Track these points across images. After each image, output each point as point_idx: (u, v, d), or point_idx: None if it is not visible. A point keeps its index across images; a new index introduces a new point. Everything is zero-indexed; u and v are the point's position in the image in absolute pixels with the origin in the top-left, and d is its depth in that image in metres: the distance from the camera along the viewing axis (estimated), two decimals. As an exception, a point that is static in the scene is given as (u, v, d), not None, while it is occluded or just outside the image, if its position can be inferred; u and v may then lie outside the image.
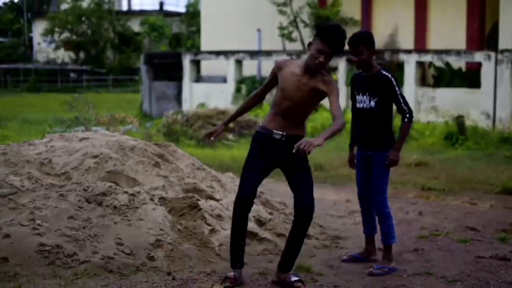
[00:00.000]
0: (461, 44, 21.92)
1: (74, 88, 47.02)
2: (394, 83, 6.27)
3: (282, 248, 6.81)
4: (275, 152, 5.73)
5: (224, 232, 6.76)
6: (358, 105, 6.44)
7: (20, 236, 6.02)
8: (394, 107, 6.38)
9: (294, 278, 5.79)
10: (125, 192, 6.76)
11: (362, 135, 6.48)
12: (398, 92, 6.28)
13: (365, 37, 6.38)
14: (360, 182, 6.65)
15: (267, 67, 23.10)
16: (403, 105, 6.28)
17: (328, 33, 5.60)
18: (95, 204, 6.59)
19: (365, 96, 6.36)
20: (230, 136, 17.57)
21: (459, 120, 16.45)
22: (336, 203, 9.73)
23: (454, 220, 8.58)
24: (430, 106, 19.78)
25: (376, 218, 6.61)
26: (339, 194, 10.37)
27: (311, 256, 6.79)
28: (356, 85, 6.52)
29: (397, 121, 6.82)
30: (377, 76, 6.33)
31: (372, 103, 6.32)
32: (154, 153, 7.59)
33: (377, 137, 6.37)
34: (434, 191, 10.57)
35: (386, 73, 6.32)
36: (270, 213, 7.52)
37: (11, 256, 5.86)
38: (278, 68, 5.84)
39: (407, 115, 6.28)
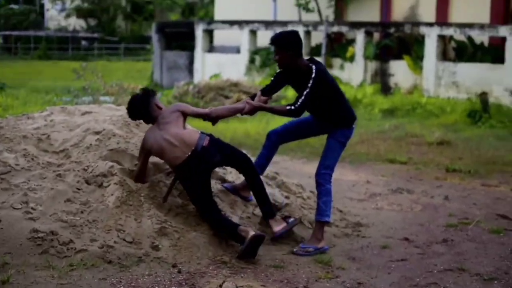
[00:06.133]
0: (485, 18, 21.09)
1: (85, 56, 46.39)
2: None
3: (300, 236, 6.29)
4: None
5: (236, 218, 6.17)
6: None
7: (11, 221, 5.45)
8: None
9: (291, 219, 6.09)
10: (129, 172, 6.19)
11: None
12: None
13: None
14: (287, 127, 6.37)
15: (282, 38, 22.36)
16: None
17: None
18: (95, 185, 6.01)
19: None
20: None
21: (483, 97, 15.73)
22: (355, 184, 9.11)
23: (484, 207, 7.96)
24: (451, 82, 19.07)
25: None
26: (358, 174, 9.74)
27: (330, 246, 6.19)
28: None
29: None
30: None
31: None
32: (162, 130, 6.98)
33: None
34: (459, 173, 9.93)
35: None
36: (287, 197, 6.91)
37: (1, 243, 5.29)
38: None
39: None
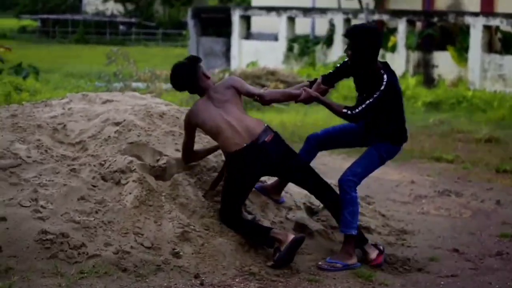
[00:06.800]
0: (533, 8, 20.23)
1: (123, 41, 46.05)
2: None
3: (337, 244, 5.64)
4: None
5: (267, 222, 5.56)
6: None
7: (18, 220, 4.91)
8: None
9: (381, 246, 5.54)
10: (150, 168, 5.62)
11: None
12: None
13: None
14: (329, 132, 5.72)
15: (321, 25, 21.73)
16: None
17: None
18: (111, 182, 5.44)
19: None
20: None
21: (532, 91, 14.89)
22: (399, 184, 8.43)
23: (540, 214, 7.26)
24: (497, 75, 18.27)
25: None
26: (401, 174, 9.05)
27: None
28: None
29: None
30: None
31: None
32: (188, 122, 6.37)
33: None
34: (510, 174, 9.17)
35: None
36: (324, 199, 6.26)
37: (5, 245, 4.77)
38: None
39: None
